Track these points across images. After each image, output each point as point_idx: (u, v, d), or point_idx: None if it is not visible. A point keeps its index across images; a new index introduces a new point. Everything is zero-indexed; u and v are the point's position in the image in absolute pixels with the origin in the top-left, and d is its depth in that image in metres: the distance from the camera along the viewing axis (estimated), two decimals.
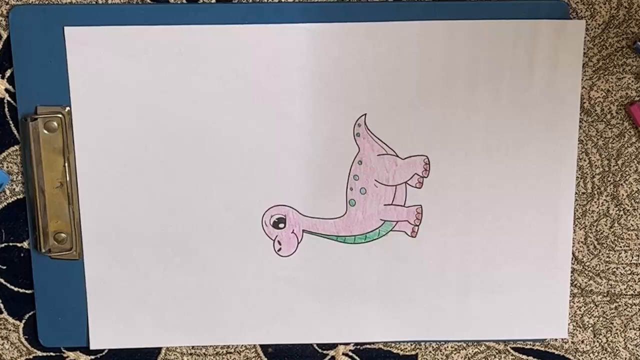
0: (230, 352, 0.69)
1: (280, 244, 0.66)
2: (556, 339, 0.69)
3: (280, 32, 0.62)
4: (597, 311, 0.69)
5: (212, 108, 0.63)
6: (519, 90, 0.63)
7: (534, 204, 0.65)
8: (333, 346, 0.69)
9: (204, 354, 0.69)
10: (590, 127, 0.65)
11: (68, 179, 0.63)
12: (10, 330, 0.68)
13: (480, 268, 0.66)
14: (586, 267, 0.68)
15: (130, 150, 0.63)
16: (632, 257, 0.68)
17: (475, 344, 0.69)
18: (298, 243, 0.66)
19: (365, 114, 0.63)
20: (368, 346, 0.69)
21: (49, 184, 0.63)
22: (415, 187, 0.65)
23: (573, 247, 0.67)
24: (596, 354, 0.70)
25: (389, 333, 0.68)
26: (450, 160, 0.64)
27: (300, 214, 0.65)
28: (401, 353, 0.69)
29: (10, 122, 0.64)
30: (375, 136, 0.64)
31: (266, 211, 0.65)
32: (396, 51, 0.62)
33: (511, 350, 0.69)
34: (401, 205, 0.65)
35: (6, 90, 0.63)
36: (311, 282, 0.66)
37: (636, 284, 0.68)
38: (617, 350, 0.70)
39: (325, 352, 0.69)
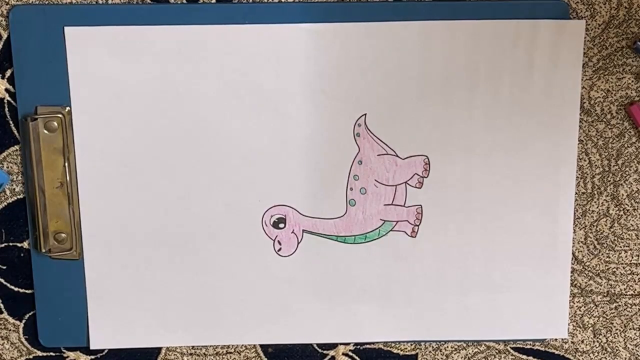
0: (230, 352, 0.69)
1: (280, 244, 0.66)
2: (556, 339, 0.69)
3: (280, 32, 0.62)
4: (597, 311, 0.69)
5: (212, 108, 0.63)
6: (519, 90, 0.63)
7: (534, 204, 0.65)
8: (333, 346, 0.69)
9: (204, 354, 0.69)
10: (590, 127, 0.65)
11: (68, 179, 0.63)
12: (10, 330, 0.68)
13: (480, 268, 0.66)
14: (586, 267, 0.68)
15: (130, 150, 0.63)
16: (632, 257, 0.68)
17: (475, 344, 0.69)
18: (298, 243, 0.66)
19: (365, 114, 0.63)
20: (368, 346, 0.69)
21: (49, 184, 0.63)
22: (415, 187, 0.65)
23: (573, 247, 0.67)
24: (596, 354, 0.70)
25: (389, 333, 0.68)
26: (450, 160, 0.64)
27: (300, 214, 0.65)
28: (401, 353, 0.69)
29: (10, 122, 0.64)
30: (375, 136, 0.64)
31: (266, 211, 0.65)
32: (396, 51, 0.62)
33: (511, 350, 0.69)
34: (401, 205, 0.65)
35: (6, 90, 0.63)
36: (311, 282, 0.66)
37: (636, 284, 0.68)
38: (617, 350, 0.70)
39: (325, 352, 0.69)
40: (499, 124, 0.64)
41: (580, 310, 0.69)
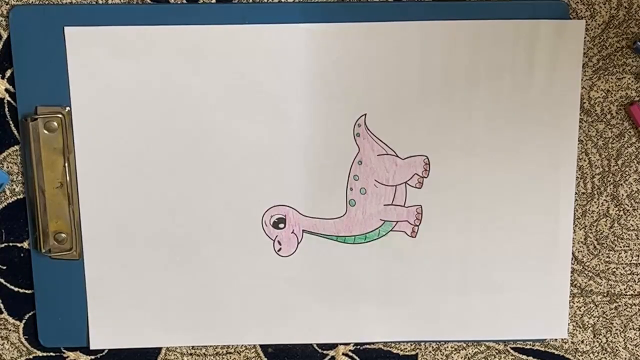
0: (230, 352, 0.69)
1: (280, 244, 0.66)
2: (556, 339, 0.69)
3: (280, 32, 0.62)
4: (597, 311, 0.69)
5: (212, 108, 0.63)
6: (519, 90, 0.63)
7: (534, 203, 0.65)
8: (333, 346, 0.69)
9: (204, 354, 0.69)
10: (590, 127, 0.65)
11: (68, 179, 0.63)
12: (10, 330, 0.68)
13: (480, 268, 0.66)
14: (586, 267, 0.68)
15: (130, 150, 0.63)
16: (632, 257, 0.68)
17: (475, 344, 0.69)
18: (298, 243, 0.66)
19: (365, 114, 0.63)
20: (368, 346, 0.69)
21: (49, 184, 0.63)
22: (415, 187, 0.65)
23: (573, 247, 0.67)
24: (596, 354, 0.70)
25: (389, 333, 0.68)
26: (450, 160, 0.64)
27: (300, 214, 0.65)
28: (401, 353, 0.69)
29: (10, 122, 0.64)
30: (375, 136, 0.64)
31: (266, 211, 0.65)
32: (396, 51, 0.62)
33: (511, 350, 0.69)
34: (401, 205, 0.65)
35: (6, 90, 0.63)
36: (311, 282, 0.66)
37: (636, 284, 0.68)
38: (617, 350, 0.70)
39: (325, 352, 0.69)
40: (499, 124, 0.64)
41: (580, 310, 0.69)
